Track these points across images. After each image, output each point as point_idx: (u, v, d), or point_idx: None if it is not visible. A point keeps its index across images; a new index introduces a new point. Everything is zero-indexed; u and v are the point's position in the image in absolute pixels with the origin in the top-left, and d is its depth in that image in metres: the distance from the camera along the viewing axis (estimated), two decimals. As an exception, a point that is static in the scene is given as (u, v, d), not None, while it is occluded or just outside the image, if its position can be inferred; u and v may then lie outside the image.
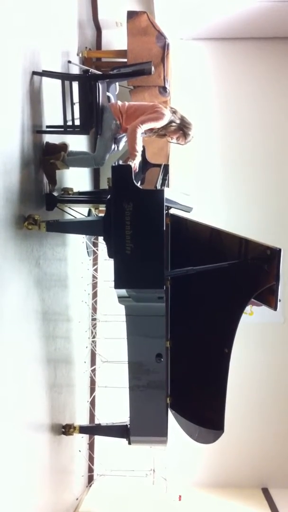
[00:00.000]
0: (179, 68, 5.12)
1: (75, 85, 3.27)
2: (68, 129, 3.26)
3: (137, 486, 4.75)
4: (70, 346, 4.09)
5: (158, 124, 3.11)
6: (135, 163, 2.88)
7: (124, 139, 3.36)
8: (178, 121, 3.21)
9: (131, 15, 4.58)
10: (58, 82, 3.23)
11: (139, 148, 2.97)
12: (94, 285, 5.14)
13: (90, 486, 4.81)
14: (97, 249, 5.08)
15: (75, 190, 3.69)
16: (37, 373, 3.10)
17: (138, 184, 2.74)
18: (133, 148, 2.95)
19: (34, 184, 3.01)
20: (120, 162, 2.80)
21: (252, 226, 5.03)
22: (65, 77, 3.27)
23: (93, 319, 5.08)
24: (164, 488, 4.60)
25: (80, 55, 4.48)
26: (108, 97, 3.47)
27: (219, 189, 5.32)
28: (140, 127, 2.98)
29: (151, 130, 3.16)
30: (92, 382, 5.05)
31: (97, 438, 5.02)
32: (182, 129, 3.25)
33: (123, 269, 2.72)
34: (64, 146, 3.27)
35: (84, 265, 4.76)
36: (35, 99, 3.03)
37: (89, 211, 4.37)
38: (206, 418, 3.10)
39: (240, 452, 5.14)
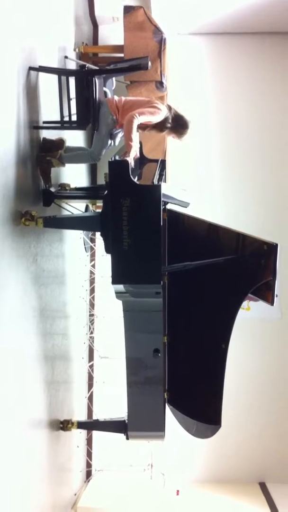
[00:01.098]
0: (176, 63, 5.10)
1: (72, 80, 3.26)
2: (65, 125, 3.25)
3: (135, 481, 4.76)
4: (68, 342, 4.09)
5: (154, 119, 3.09)
6: (131, 159, 2.87)
7: (120, 135, 3.35)
8: (171, 121, 3.18)
9: (128, 10, 4.56)
10: (54, 77, 3.22)
11: (135, 138, 2.94)
12: (92, 281, 5.15)
13: (89, 481, 4.83)
14: (94, 245, 5.08)
15: (72, 185, 3.69)
16: (35, 369, 3.10)
17: (135, 180, 2.74)
18: (129, 138, 2.91)
19: (31, 180, 3.00)
20: (117, 158, 2.79)
21: (249, 221, 5.03)
22: (61, 73, 3.27)
23: (91, 315, 5.08)
24: (162, 483, 4.62)
25: (77, 50, 4.46)
26: (105, 92, 3.46)
27: (217, 184, 5.32)
28: (137, 118, 2.93)
29: (147, 125, 3.14)
30: (90, 378, 5.06)
31: (95, 434, 5.04)
32: (177, 128, 3.23)
33: (120, 265, 2.72)
34: (61, 142, 3.25)
35: (82, 261, 4.76)
36: (31, 94, 3.02)
37: (87, 206, 4.37)
38: (204, 413, 3.11)
39: (237, 446, 5.16)
